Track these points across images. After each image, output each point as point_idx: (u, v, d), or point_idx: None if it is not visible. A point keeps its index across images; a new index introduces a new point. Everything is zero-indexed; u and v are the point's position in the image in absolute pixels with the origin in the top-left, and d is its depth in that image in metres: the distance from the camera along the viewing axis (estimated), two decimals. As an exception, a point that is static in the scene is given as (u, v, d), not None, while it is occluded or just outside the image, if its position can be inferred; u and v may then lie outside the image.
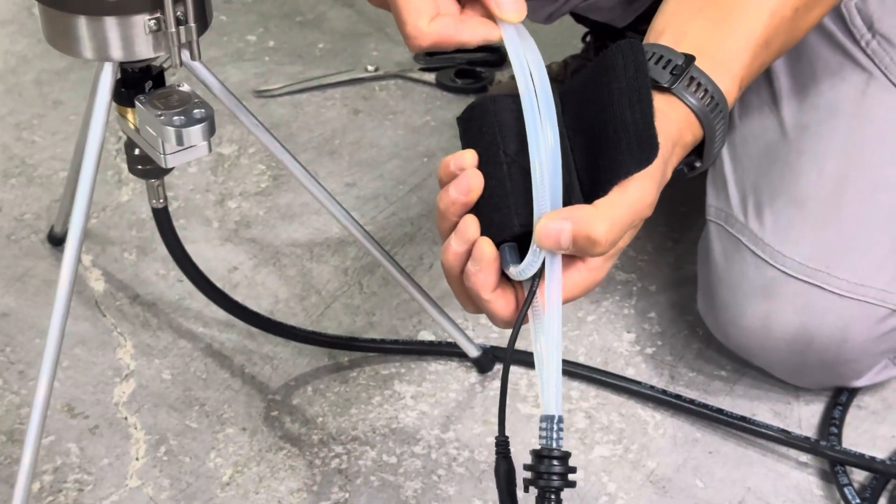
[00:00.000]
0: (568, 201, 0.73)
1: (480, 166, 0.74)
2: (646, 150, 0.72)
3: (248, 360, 1.16)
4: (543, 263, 0.72)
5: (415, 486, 1.04)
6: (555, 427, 0.72)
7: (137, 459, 1.07)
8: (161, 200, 1.02)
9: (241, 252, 1.29)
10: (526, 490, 0.74)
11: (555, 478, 0.72)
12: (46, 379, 0.92)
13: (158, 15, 0.87)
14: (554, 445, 0.72)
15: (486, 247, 0.73)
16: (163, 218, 1.04)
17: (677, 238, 1.30)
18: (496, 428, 1.08)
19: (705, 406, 1.09)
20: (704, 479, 1.05)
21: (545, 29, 1.34)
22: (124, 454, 1.07)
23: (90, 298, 1.23)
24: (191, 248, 1.08)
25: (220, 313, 1.17)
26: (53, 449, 1.07)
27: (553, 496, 0.72)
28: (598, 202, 0.73)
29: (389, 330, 1.19)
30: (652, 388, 1.12)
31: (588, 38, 1.46)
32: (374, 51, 1.61)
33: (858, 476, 1.05)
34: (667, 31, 0.83)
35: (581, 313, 1.21)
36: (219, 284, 1.12)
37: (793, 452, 1.07)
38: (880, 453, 1.06)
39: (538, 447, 0.73)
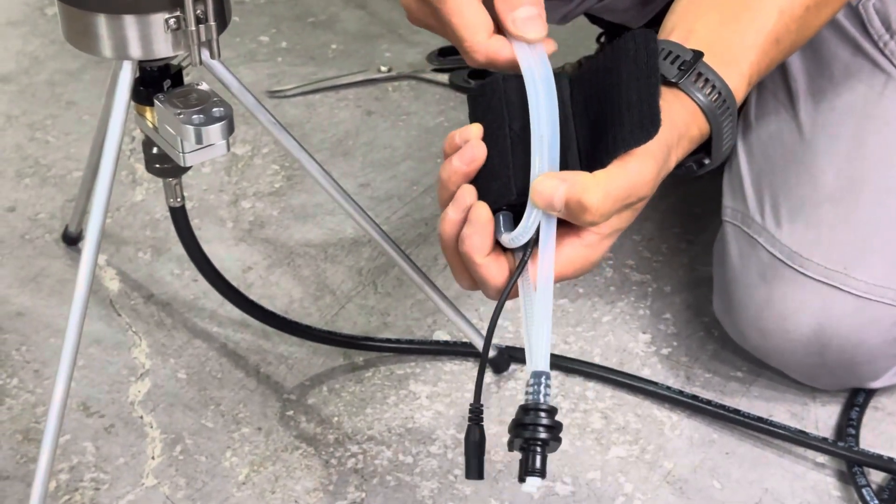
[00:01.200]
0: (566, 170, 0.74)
1: (485, 139, 0.76)
2: (647, 126, 0.73)
3: (264, 360, 1.16)
4: (538, 235, 0.73)
5: (431, 486, 1.04)
6: (543, 382, 0.72)
7: (153, 458, 1.07)
8: (178, 199, 1.02)
9: (256, 252, 1.29)
10: (511, 448, 0.72)
11: (541, 429, 0.71)
12: (64, 378, 0.92)
13: (178, 13, 0.87)
14: (542, 400, 0.72)
15: (482, 210, 0.74)
16: (180, 217, 1.04)
17: (692, 239, 1.30)
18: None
19: (722, 407, 1.09)
20: (721, 479, 1.05)
21: (559, 29, 1.34)
22: (140, 453, 1.07)
23: (105, 298, 1.23)
24: (205, 248, 1.08)
25: (235, 313, 1.17)
26: (69, 448, 1.07)
27: (539, 448, 0.71)
28: (597, 173, 0.74)
29: (404, 330, 1.19)
30: (668, 388, 1.11)
31: (602, 39, 1.46)
32: (387, 52, 1.62)
33: (876, 477, 1.04)
34: (677, 29, 0.83)
35: (596, 314, 1.21)
36: (233, 284, 1.12)
37: (810, 453, 1.07)
38: (898, 454, 1.06)
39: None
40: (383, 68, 1.57)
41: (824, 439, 1.06)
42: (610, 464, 1.06)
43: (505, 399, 1.12)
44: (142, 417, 1.10)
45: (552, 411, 0.72)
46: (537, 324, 0.73)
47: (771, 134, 1.10)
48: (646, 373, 1.15)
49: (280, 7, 1.72)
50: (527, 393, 0.72)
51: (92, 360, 1.16)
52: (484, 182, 0.75)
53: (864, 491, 1.02)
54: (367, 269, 1.27)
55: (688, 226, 1.32)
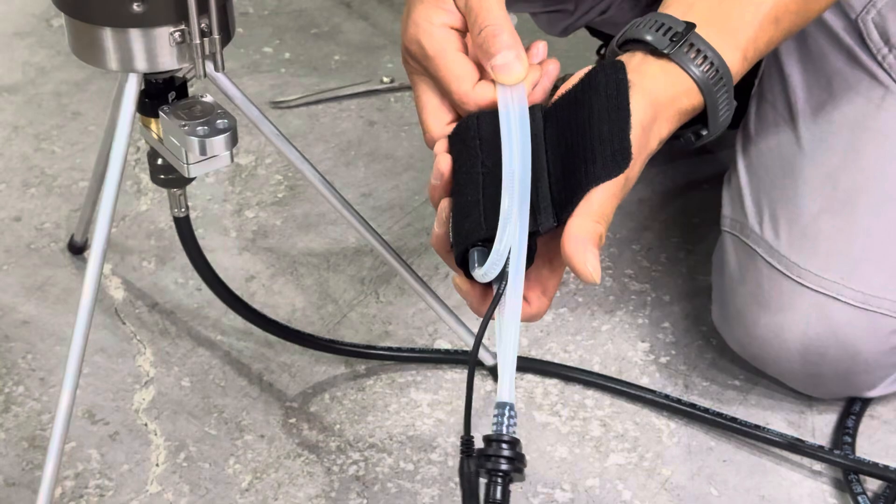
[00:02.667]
0: (536, 204, 0.74)
1: (458, 177, 0.77)
2: (618, 160, 0.74)
3: (266, 368, 1.17)
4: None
5: (432, 493, 1.05)
6: (506, 413, 0.72)
7: (157, 465, 1.08)
8: (183, 209, 1.03)
9: (259, 261, 1.30)
10: (477, 476, 0.73)
11: (502, 461, 0.72)
12: (69, 386, 0.93)
13: (183, 27, 0.89)
14: (504, 431, 0.72)
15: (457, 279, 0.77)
16: (184, 227, 1.05)
17: (691, 249, 1.31)
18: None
19: (719, 415, 1.10)
20: (719, 487, 1.06)
21: (560, 41, 1.35)
22: (144, 460, 1.08)
23: (110, 306, 1.24)
24: (209, 258, 1.09)
25: (239, 322, 1.18)
26: (75, 455, 1.08)
27: (500, 479, 0.72)
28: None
29: (406, 338, 1.20)
30: (666, 396, 1.13)
31: (602, 51, 1.47)
32: (390, 63, 1.63)
33: (872, 485, 1.05)
34: (676, 2, 0.83)
35: (596, 323, 1.22)
36: (236, 293, 1.13)
37: (806, 461, 1.08)
38: (894, 462, 1.07)
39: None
40: (386, 79, 1.58)
41: (821, 447, 1.07)
42: (608, 471, 1.07)
43: (505, 407, 1.13)
44: (146, 425, 1.12)
45: (514, 443, 0.72)
46: (501, 356, 0.74)
47: (770, 145, 1.11)
48: (644, 381, 1.16)
49: (284, 18, 1.73)
50: (493, 423, 0.73)
51: (97, 368, 1.17)
52: (457, 219, 0.76)
53: (860, 499, 1.02)
54: (369, 279, 1.28)
55: (687, 235, 1.33)
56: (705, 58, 0.79)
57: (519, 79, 0.77)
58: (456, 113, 0.80)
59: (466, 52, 0.80)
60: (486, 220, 0.74)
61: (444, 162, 0.78)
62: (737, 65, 0.81)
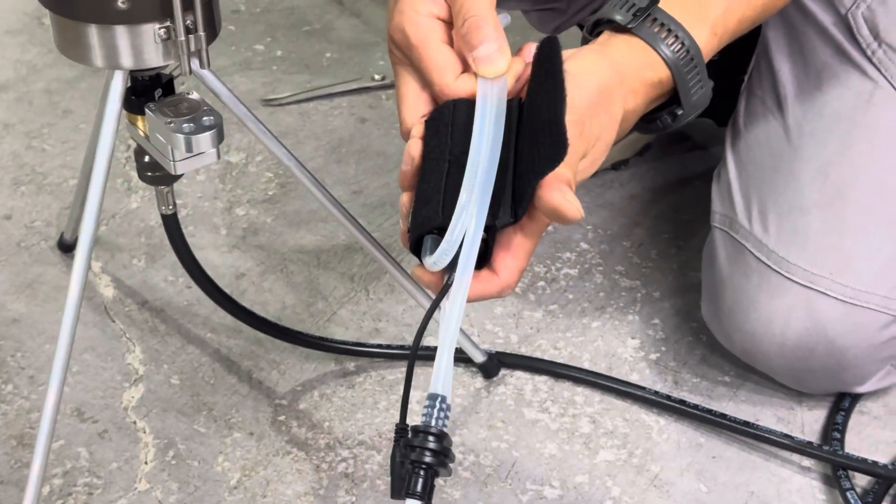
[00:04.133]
0: (498, 199, 0.73)
1: (425, 163, 0.75)
2: (555, 152, 0.72)
3: (256, 366, 1.17)
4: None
5: (421, 491, 1.05)
6: (437, 406, 0.70)
7: (146, 463, 1.08)
8: (170, 207, 1.03)
9: (249, 259, 1.30)
10: (402, 465, 0.71)
11: (427, 454, 0.70)
12: (57, 384, 0.93)
13: (168, 24, 0.88)
14: (433, 423, 0.70)
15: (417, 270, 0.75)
16: (172, 224, 1.05)
17: (681, 245, 1.31)
18: (502, 433, 1.10)
19: (709, 411, 1.10)
20: (708, 483, 1.06)
21: (550, 38, 1.35)
22: (133, 458, 1.08)
23: (99, 304, 1.24)
24: (199, 255, 1.09)
25: (228, 319, 1.18)
26: (63, 453, 1.08)
27: (422, 471, 0.70)
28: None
29: (396, 335, 1.20)
30: (656, 393, 1.12)
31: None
32: (381, 60, 1.63)
33: (861, 480, 1.05)
34: None
35: (586, 319, 1.22)
36: (226, 291, 1.13)
37: (796, 457, 1.08)
38: (883, 458, 1.07)
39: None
40: (377, 76, 1.58)
41: (810, 443, 1.07)
42: (598, 468, 1.07)
43: (494, 404, 1.13)
44: (135, 423, 1.11)
45: (441, 437, 0.70)
46: (441, 346, 0.72)
47: (759, 140, 1.11)
48: (634, 378, 1.16)
49: (275, 16, 1.73)
50: (423, 414, 0.71)
51: (86, 366, 1.17)
52: (417, 205, 0.74)
53: (848, 494, 1.02)
54: (359, 276, 1.28)
55: (677, 231, 1.33)
56: (674, 35, 0.79)
57: (500, 72, 0.76)
58: (435, 105, 0.80)
59: (452, 43, 0.79)
60: (444, 209, 0.72)
61: (415, 147, 0.76)
62: (706, 42, 0.80)
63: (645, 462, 1.08)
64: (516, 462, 1.08)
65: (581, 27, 1.39)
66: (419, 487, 0.70)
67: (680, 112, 0.81)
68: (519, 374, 1.16)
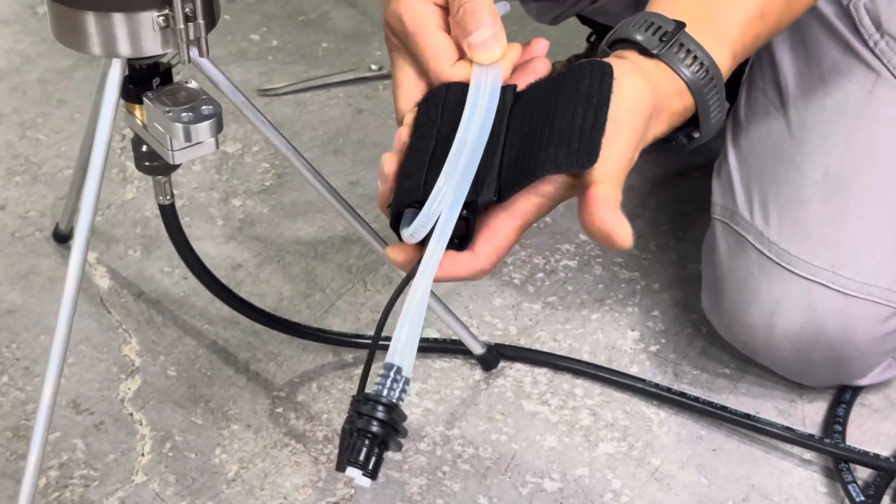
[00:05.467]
0: (482, 177, 0.72)
1: (412, 141, 0.75)
2: (583, 157, 0.71)
3: (253, 357, 1.17)
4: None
5: (419, 483, 1.04)
6: (391, 376, 0.68)
7: (143, 455, 1.07)
8: (168, 197, 1.02)
9: (246, 250, 1.29)
10: (349, 435, 0.68)
11: (373, 423, 0.67)
12: (53, 376, 0.92)
13: (167, 11, 0.87)
14: (385, 393, 0.68)
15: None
16: (169, 214, 1.04)
17: (680, 237, 1.31)
18: (501, 425, 1.10)
19: (709, 403, 1.10)
20: (709, 476, 1.06)
21: (550, 30, 1.34)
22: (130, 450, 1.07)
23: (95, 295, 1.23)
24: (195, 246, 1.08)
25: (225, 310, 1.17)
26: (59, 445, 1.07)
27: (367, 440, 0.67)
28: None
29: (393, 327, 1.19)
30: (656, 385, 1.12)
31: (592, 39, 1.47)
32: (378, 50, 1.62)
33: (862, 473, 1.05)
34: (662, 1, 0.82)
35: (585, 311, 1.22)
36: (223, 282, 1.12)
37: (797, 450, 1.07)
38: (884, 451, 1.06)
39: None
40: (374, 66, 1.57)
41: (811, 436, 1.07)
42: (598, 460, 1.07)
43: (494, 396, 1.12)
44: (132, 415, 1.11)
45: (391, 408, 0.68)
46: (403, 315, 0.71)
47: (760, 132, 1.10)
48: (634, 370, 1.15)
49: (271, 6, 1.72)
50: (375, 383, 0.68)
51: (82, 358, 1.16)
52: (400, 180, 0.74)
53: (850, 487, 1.02)
54: (356, 267, 1.27)
55: (677, 223, 1.33)
56: (695, 58, 0.78)
57: (494, 58, 0.76)
58: None
59: (448, 30, 0.79)
60: (426, 184, 0.71)
61: (405, 132, 0.76)
62: (726, 63, 0.80)
63: (645, 455, 1.07)
64: (516, 454, 1.07)
65: (580, 18, 1.38)
66: (361, 456, 0.67)
67: (697, 135, 0.81)
68: (518, 366, 1.16)
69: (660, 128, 0.78)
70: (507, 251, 0.74)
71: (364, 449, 0.67)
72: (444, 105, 0.75)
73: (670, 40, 0.78)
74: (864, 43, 1.06)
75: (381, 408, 0.68)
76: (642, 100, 0.74)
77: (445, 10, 0.79)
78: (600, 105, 0.73)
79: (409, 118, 0.77)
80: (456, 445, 1.08)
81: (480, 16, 0.76)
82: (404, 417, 0.69)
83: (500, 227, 0.73)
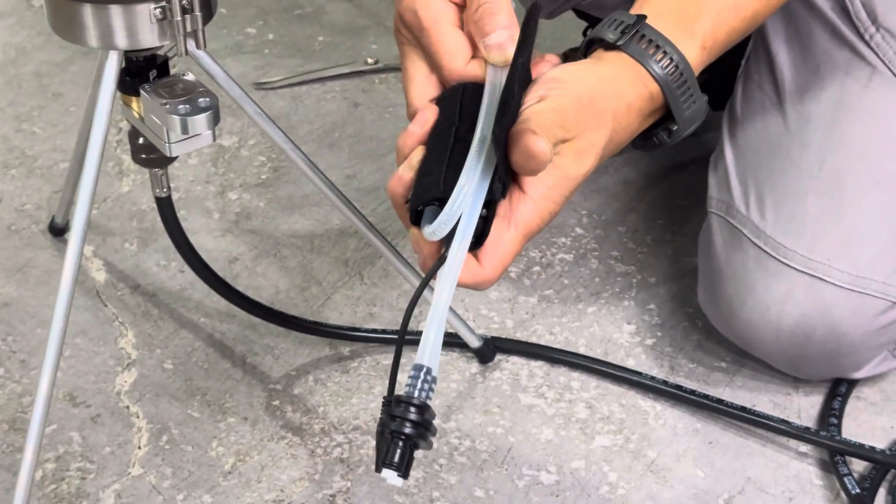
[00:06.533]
0: (498, 177, 0.73)
1: (431, 138, 0.76)
2: (503, 108, 0.73)
3: (250, 351, 1.17)
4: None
5: (416, 476, 1.04)
6: (421, 377, 0.70)
7: (139, 448, 1.07)
8: (164, 190, 1.02)
9: (242, 243, 1.29)
10: (381, 435, 0.70)
11: (407, 424, 0.69)
12: (49, 369, 0.92)
13: (164, 3, 0.87)
14: (416, 395, 0.70)
15: (413, 232, 0.74)
16: (166, 207, 1.04)
17: (676, 230, 1.31)
18: (498, 418, 1.10)
19: (705, 397, 1.10)
20: (704, 469, 1.06)
21: (546, 23, 1.34)
22: (126, 443, 1.07)
23: (91, 288, 1.23)
24: (192, 240, 1.08)
25: (222, 304, 1.17)
26: (56, 438, 1.07)
27: (400, 442, 0.69)
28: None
29: (390, 320, 1.20)
30: (652, 378, 1.12)
31: (588, 33, 1.46)
32: (374, 44, 1.62)
33: (858, 466, 1.05)
34: (637, 2, 0.83)
35: (581, 305, 1.22)
36: (219, 275, 1.12)
37: (792, 443, 1.08)
38: (879, 444, 1.07)
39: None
40: (370, 60, 1.57)
41: (807, 429, 1.07)
42: (594, 453, 1.07)
43: (490, 389, 1.13)
44: (128, 407, 1.11)
45: (423, 408, 0.70)
46: (430, 316, 0.71)
47: (757, 126, 1.11)
48: (630, 363, 1.15)
49: (267, -1, 1.72)
50: (406, 385, 0.70)
51: (78, 351, 1.16)
52: (419, 177, 0.75)
53: (845, 480, 1.02)
54: (353, 260, 1.27)
55: (673, 217, 1.33)
56: (664, 52, 0.78)
57: (508, 60, 0.76)
58: (444, 88, 0.79)
59: (463, 27, 0.79)
60: (446, 182, 0.72)
61: (430, 112, 0.76)
62: (695, 56, 0.80)
63: (641, 447, 1.07)
64: (512, 447, 1.07)
65: (576, 13, 1.38)
66: (396, 458, 0.69)
67: (675, 128, 0.81)
68: (515, 359, 1.16)
69: (627, 111, 0.78)
70: (511, 261, 0.75)
71: (398, 451, 0.69)
72: (462, 104, 0.76)
73: (631, 31, 0.79)
74: (860, 37, 1.06)
75: (413, 409, 0.69)
76: (581, 84, 0.76)
77: (460, 6, 0.79)
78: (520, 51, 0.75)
79: (428, 114, 0.77)
80: (452, 438, 1.08)
81: (499, 17, 0.76)
82: (433, 416, 0.71)
83: (504, 237, 0.74)
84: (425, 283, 0.73)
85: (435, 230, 0.71)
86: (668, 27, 0.79)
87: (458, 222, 0.71)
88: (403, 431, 0.69)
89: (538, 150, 0.71)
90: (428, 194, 0.73)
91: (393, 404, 0.70)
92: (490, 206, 0.73)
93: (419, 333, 1.17)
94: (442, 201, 0.72)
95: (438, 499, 1.03)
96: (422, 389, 0.70)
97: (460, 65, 0.77)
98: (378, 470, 0.70)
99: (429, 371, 0.70)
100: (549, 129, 0.72)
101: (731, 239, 1.08)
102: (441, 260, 0.72)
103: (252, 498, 1.03)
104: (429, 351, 0.70)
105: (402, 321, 0.73)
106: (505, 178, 0.73)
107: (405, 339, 1.17)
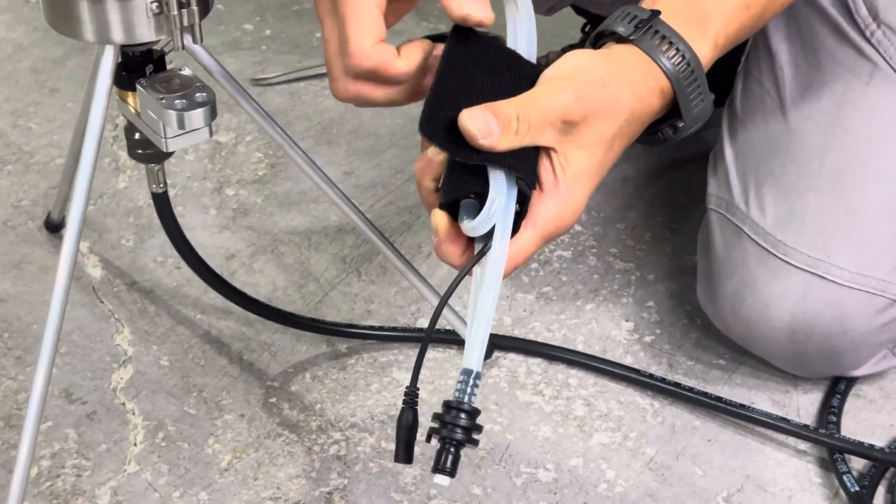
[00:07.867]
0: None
1: (445, 80, 0.78)
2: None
3: (247, 347, 1.16)
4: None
5: (413, 473, 1.04)
6: (471, 382, 0.71)
7: (136, 445, 1.06)
8: (161, 185, 1.02)
9: (239, 240, 1.29)
10: (428, 440, 0.72)
11: (458, 430, 0.70)
12: (45, 365, 0.92)
13: (161, -3, 0.87)
14: (466, 399, 0.71)
15: (438, 216, 0.75)
16: (162, 203, 1.03)
17: (675, 228, 1.31)
18: (494, 415, 1.09)
19: (704, 394, 1.09)
20: (703, 466, 1.05)
21: (544, 20, 1.34)
22: (122, 440, 1.07)
23: (87, 285, 1.22)
24: (188, 236, 1.07)
25: (219, 300, 1.17)
26: (51, 434, 1.07)
27: (453, 448, 0.71)
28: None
29: (388, 317, 1.19)
30: (651, 375, 1.12)
31: (587, 29, 1.46)
32: (372, 40, 1.61)
33: (857, 464, 1.05)
34: None
35: (580, 302, 1.21)
36: (217, 272, 1.12)
37: (791, 440, 1.07)
38: (878, 441, 1.06)
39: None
40: (368, 56, 1.56)
41: (806, 426, 1.07)
42: (592, 450, 1.06)
43: (488, 387, 1.12)
44: (124, 404, 1.10)
45: (473, 413, 0.71)
46: (476, 322, 0.72)
47: (756, 122, 1.10)
48: (629, 360, 1.15)
49: (265, -5, 1.72)
50: (456, 390, 0.71)
51: (74, 347, 1.15)
52: (450, 169, 0.75)
53: (845, 477, 1.02)
54: (350, 257, 1.27)
55: (672, 214, 1.32)
56: (671, 44, 0.79)
57: (488, 17, 0.77)
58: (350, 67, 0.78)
59: (384, 7, 0.78)
60: (483, 174, 0.73)
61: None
62: (707, 54, 0.81)
63: (640, 445, 1.07)
64: (510, 445, 1.07)
65: (575, 9, 1.38)
66: (449, 464, 0.70)
67: (681, 124, 0.81)
68: (512, 356, 1.15)
69: (639, 103, 0.78)
70: (525, 260, 0.75)
71: (451, 457, 0.71)
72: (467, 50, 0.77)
73: (644, 27, 0.79)
74: (861, 33, 1.05)
75: (464, 415, 0.71)
76: (597, 60, 0.77)
77: None
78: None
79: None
80: (450, 436, 1.07)
81: None
82: (478, 413, 0.72)
83: (521, 237, 0.75)
84: (460, 278, 0.73)
85: (476, 226, 0.72)
86: (680, 24, 0.79)
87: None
88: (455, 438, 0.70)
89: (463, 126, 0.72)
90: (465, 189, 0.73)
91: (443, 409, 0.71)
92: (524, 201, 0.74)
93: (417, 330, 1.16)
94: (480, 195, 0.73)
95: (436, 496, 1.02)
96: (471, 394, 0.71)
97: (367, 44, 0.76)
98: (408, 463, 0.74)
99: (477, 376, 0.71)
100: (499, 108, 0.73)
101: (731, 236, 1.07)
102: (479, 255, 0.73)
103: (249, 495, 1.02)
104: (477, 354, 0.71)
105: (430, 318, 0.75)
106: (532, 174, 0.74)
107: (404, 337, 1.17)
